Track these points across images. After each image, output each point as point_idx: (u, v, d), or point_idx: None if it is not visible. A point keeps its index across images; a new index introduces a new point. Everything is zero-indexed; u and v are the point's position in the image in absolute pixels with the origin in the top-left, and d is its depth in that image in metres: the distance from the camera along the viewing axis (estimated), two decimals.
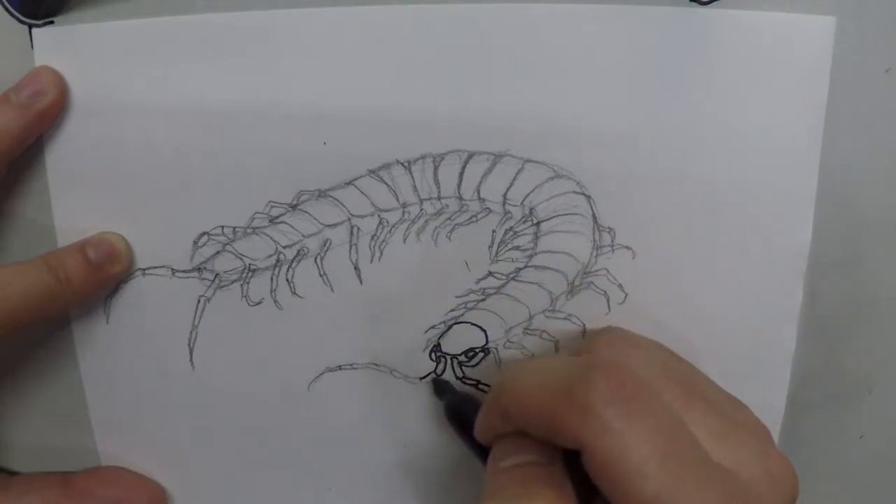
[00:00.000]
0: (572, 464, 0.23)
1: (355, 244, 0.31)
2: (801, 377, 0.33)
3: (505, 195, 0.31)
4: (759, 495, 0.23)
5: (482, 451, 0.27)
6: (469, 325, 0.32)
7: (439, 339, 0.32)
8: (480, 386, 0.32)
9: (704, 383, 0.27)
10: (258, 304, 0.32)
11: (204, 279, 0.31)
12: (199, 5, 0.29)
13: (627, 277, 0.31)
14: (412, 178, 0.31)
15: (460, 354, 0.32)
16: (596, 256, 0.31)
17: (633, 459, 0.21)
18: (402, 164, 0.30)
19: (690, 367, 0.28)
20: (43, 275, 0.29)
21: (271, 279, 0.32)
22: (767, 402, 0.33)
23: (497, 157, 0.30)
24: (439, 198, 0.31)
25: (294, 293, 0.32)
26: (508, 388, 0.24)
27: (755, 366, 0.32)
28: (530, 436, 0.24)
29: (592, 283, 0.31)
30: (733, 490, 0.22)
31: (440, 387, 0.32)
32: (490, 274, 0.31)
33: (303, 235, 0.31)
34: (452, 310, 0.32)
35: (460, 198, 0.31)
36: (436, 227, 0.31)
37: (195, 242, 0.31)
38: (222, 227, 0.31)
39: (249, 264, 0.31)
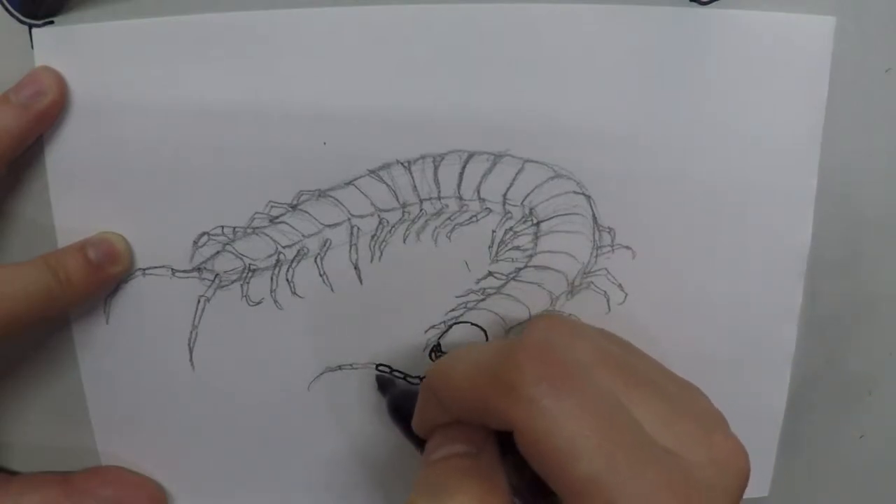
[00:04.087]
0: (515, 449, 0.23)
1: (355, 244, 0.31)
2: (801, 377, 0.33)
3: (505, 195, 0.31)
4: (703, 480, 0.22)
5: (423, 445, 0.26)
6: (469, 325, 0.32)
7: (439, 339, 0.32)
8: None
9: (649, 369, 0.26)
10: (258, 304, 0.32)
11: (204, 279, 0.31)
12: (199, 5, 0.29)
13: (627, 277, 0.31)
14: (412, 178, 0.31)
15: None
16: (596, 256, 0.31)
17: (565, 438, 0.20)
18: (402, 164, 0.30)
19: (635, 353, 0.27)
20: (43, 275, 0.29)
21: (271, 279, 0.32)
22: (767, 402, 0.33)
23: (497, 157, 0.30)
24: (439, 198, 0.31)
25: (294, 293, 0.32)
26: (439, 377, 0.24)
27: (755, 366, 0.32)
28: (462, 426, 0.24)
29: (592, 283, 0.31)
30: (675, 473, 0.21)
31: (383, 383, 0.31)
32: (490, 274, 0.31)
33: (303, 235, 0.31)
34: (452, 310, 0.32)
35: (460, 198, 0.31)
36: (436, 227, 0.31)
37: (195, 242, 0.31)
38: (222, 227, 0.31)
39: (249, 264, 0.31)
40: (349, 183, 0.31)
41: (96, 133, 0.30)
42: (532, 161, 0.30)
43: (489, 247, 0.31)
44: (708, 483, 0.22)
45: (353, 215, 0.31)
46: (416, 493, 0.23)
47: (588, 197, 0.31)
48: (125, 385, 0.33)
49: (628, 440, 0.21)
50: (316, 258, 0.31)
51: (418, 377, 0.32)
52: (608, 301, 0.31)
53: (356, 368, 0.32)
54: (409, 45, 0.29)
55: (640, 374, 0.24)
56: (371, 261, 0.31)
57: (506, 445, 0.24)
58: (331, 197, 0.31)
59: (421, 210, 0.31)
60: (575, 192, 0.31)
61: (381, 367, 0.32)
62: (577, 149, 0.30)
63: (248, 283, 0.32)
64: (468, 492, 0.22)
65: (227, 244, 0.31)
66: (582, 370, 0.22)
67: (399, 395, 0.30)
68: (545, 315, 0.30)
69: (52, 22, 0.30)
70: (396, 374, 0.32)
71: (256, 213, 0.31)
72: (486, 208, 0.31)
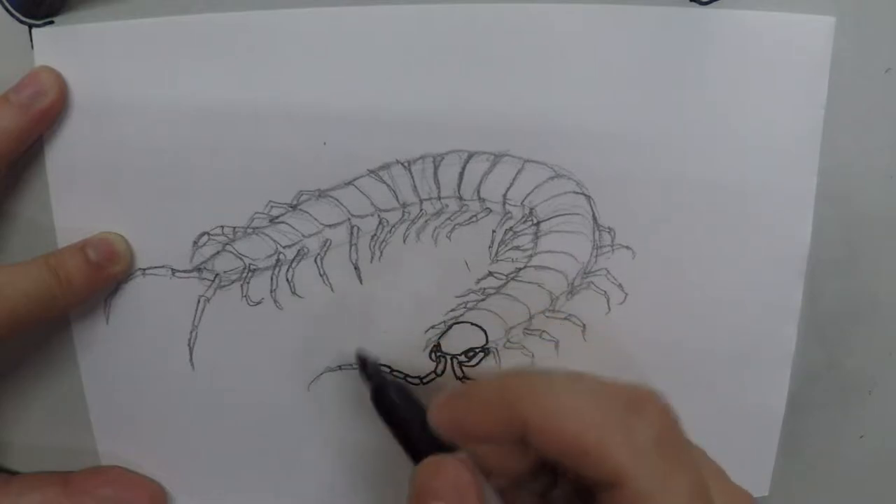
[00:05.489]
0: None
1: (355, 244, 0.31)
2: (801, 377, 0.33)
3: (505, 195, 0.31)
4: None
5: (406, 439, 0.27)
6: (469, 325, 0.32)
7: (439, 339, 0.32)
8: None
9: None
10: (258, 304, 0.32)
11: (204, 279, 0.31)
12: (199, 5, 0.29)
13: (627, 277, 0.31)
14: (412, 178, 0.31)
15: (460, 354, 0.32)
16: (596, 256, 0.31)
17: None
18: (402, 164, 0.30)
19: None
20: (44, 275, 0.29)
21: (271, 279, 0.32)
22: (767, 402, 0.33)
23: (497, 157, 0.30)
24: (439, 198, 0.31)
25: (294, 293, 0.32)
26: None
27: (755, 366, 0.32)
28: (453, 473, 0.24)
29: (592, 283, 0.31)
30: None
31: (367, 368, 0.30)
32: (490, 274, 0.31)
33: (303, 235, 0.31)
34: (452, 310, 0.32)
35: (460, 198, 0.31)
36: (436, 227, 0.31)
37: (195, 242, 0.31)
38: (222, 227, 0.31)
39: (249, 264, 0.31)
40: (349, 183, 0.31)
41: (96, 133, 0.30)
42: (532, 161, 0.30)
43: (489, 247, 0.31)
44: None
45: (353, 215, 0.31)
46: None
47: (588, 197, 0.31)
48: (125, 385, 0.33)
49: None
50: (316, 258, 0.31)
51: (418, 377, 0.32)
52: (608, 301, 0.31)
53: (356, 368, 0.32)
54: (409, 45, 0.29)
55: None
56: (371, 261, 0.31)
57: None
58: (331, 197, 0.31)
59: (421, 210, 0.31)
60: (575, 192, 0.31)
61: (381, 367, 0.32)
62: (577, 149, 0.30)
63: (248, 283, 0.32)
64: None
65: (227, 244, 0.31)
66: (685, 435, 0.23)
67: (384, 385, 0.29)
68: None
69: (52, 22, 0.30)
70: (396, 374, 0.32)
71: (256, 213, 0.31)
72: (486, 208, 0.31)
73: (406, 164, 0.30)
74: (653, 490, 0.21)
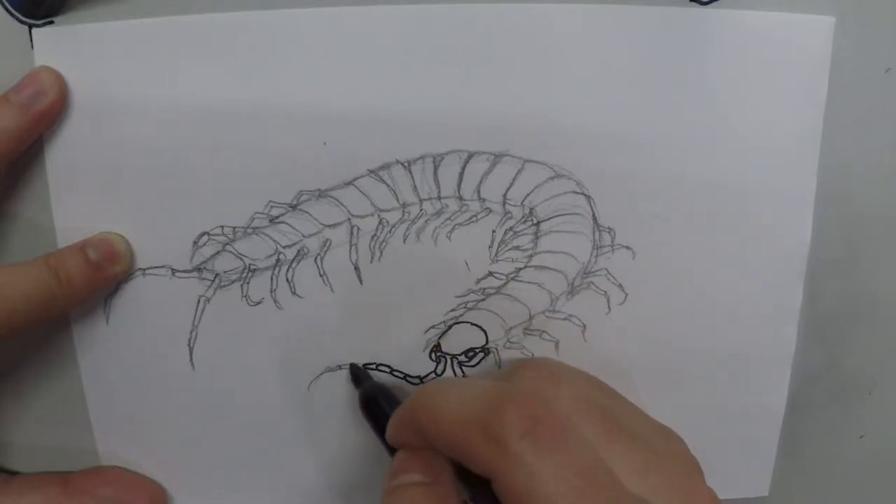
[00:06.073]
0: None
1: (355, 244, 0.31)
2: (801, 377, 0.33)
3: (505, 195, 0.31)
4: None
5: (391, 446, 0.27)
6: (469, 325, 0.32)
7: (439, 339, 0.32)
8: None
9: (629, 415, 0.27)
10: (258, 304, 0.32)
11: (204, 279, 0.31)
12: (199, 5, 0.29)
13: (627, 277, 0.31)
14: (412, 178, 0.31)
15: (460, 354, 0.32)
16: (596, 256, 0.31)
17: (543, 495, 0.21)
18: (402, 164, 0.30)
19: (617, 400, 0.28)
20: (44, 275, 0.29)
21: (271, 279, 0.32)
22: (767, 402, 0.33)
23: (497, 157, 0.30)
24: (439, 198, 0.31)
25: (294, 293, 0.32)
26: (425, 408, 0.25)
27: (755, 366, 0.32)
28: (422, 452, 0.25)
29: (592, 283, 0.31)
30: None
31: (357, 375, 0.31)
32: (490, 274, 0.31)
33: (303, 235, 0.31)
34: (452, 310, 0.32)
35: (460, 198, 0.31)
36: (436, 227, 0.31)
37: (195, 242, 0.31)
38: (222, 227, 0.31)
39: (249, 264, 0.31)
40: (349, 183, 0.31)
41: (96, 133, 0.30)
42: (532, 161, 0.30)
43: (489, 247, 0.31)
44: None
45: (353, 215, 0.31)
46: None
47: (588, 197, 0.31)
48: (125, 385, 0.33)
49: (607, 496, 0.22)
50: (316, 258, 0.31)
51: (418, 377, 0.32)
52: (608, 301, 0.31)
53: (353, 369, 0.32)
54: (409, 45, 0.29)
55: (621, 423, 0.25)
56: (371, 261, 0.31)
57: (462, 474, 0.25)
58: (331, 197, 0.31)
59: (421, 210, 0.31)
60: (575, 192, 0.31)
61: (381, 367, 0.32)
62: (577, 149, 0.30)
63: (248, 283, 0.32)
64: None
65: (227, 244, 0.31)
66: (565, 424, 0.23)
67: (373, 392, 0.30)
68: (532, 361, 0.30)
69: (52, 22, 0.30)
70: (396, 374, 0.32)
71: (256, 213, 0.31)
72: (486, 208, 0.31)
73: (406, 164, 0.30)
74: (518, 481, 0.22)
